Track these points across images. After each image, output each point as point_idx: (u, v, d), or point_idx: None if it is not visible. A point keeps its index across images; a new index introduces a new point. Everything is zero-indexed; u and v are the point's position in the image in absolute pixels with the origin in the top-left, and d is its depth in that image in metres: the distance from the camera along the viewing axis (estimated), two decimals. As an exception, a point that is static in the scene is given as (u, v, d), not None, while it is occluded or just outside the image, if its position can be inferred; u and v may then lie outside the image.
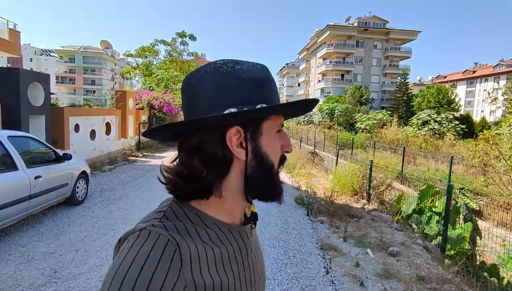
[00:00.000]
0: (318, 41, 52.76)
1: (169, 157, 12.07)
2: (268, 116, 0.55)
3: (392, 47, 50.27)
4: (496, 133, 8.45)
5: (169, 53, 29.57)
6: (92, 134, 9.42)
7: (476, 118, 49.16)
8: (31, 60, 65.01)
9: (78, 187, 5.04)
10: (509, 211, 6.96)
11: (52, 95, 8.93)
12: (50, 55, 69.19)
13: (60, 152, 4.72)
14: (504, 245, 6.98)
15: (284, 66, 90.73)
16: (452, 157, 8.50)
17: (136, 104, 14.45)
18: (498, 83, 67.07)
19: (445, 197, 7.04)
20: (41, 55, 67.82)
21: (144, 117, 14.48)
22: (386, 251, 4.16)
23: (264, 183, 0.55)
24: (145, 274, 0.38)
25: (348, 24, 51.13)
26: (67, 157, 4.60)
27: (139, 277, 0.38)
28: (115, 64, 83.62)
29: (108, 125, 10.67)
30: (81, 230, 4.12)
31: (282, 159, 0.58)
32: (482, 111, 69.56)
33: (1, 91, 5.80)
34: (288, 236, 4.47)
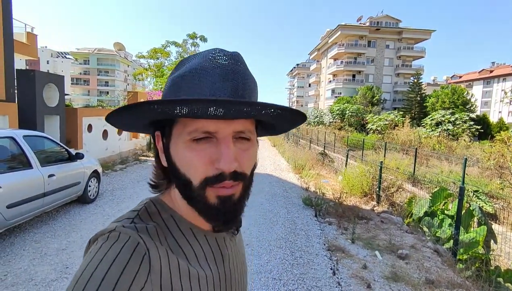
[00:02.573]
0: (329, 41, 52.34)
1: (179, 157, 12.21)
2: (173, 116, 0.43)
3: (405, 46, 49.37)
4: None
5: (180, 54, 29.93)
6: (105, 134, 9.64)
7: (493, 119, 47.69)
8: (47, 62, 67.01)
9: (90, 186, 5.17)
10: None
11: (66, 96, 9.18)
12: (66, 57, 71.15)
13: (73, 151, 4.86)
14: (521, 250, 6.75)
15: (294, 67, 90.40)
16: (466, 159, 8.28)
17: (148, 105, 14.70)
18: (516, 83, 64.94)
19: (458, 199, 6.87)
20: (57, 57, 69.82)
21: (155, 118, 14.71)
22: (395, 253, 4.10)
23: (190, 201, 0.46)
24: (111, 275, 0.36)
25: (360, 24, 50.53)
26: (80, 156, 4.73)
27: (105, 278, 0.36)
28: (128, 66, 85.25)
29: (120, 125, 10.88)
30: (92, 227, 4.22)
31: (217, 177, 0.43)
32: (500, 112, 67.44)
33: (18, 92, 6.01)
34: (295, 237, 4.46)
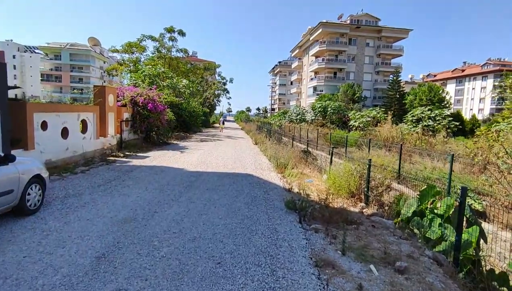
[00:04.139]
0: (311, 38, 52.27)
1: (153, 156, 11.28)
2: None
3: (384, 45, 50.14)
4: (496, 129, 7.96)
5: (157, 49, 28.58)
6: (65, 132, 8.58)
7: (466, 116, 49.39)
8: (14, 57, 62.78)
9: (29, 194, 4.26)
10: (517, 212, 6.44)
11: (15, 90, 8.03)
12: (35, 52, 66.99)
13: (1, 153, 3.94)
14: (513, 250, 6.45)
15: (276, 65, 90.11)
16: (452, 155, 7.96)
17: (118, 101, 13.58)
18: (486, 81, 67.98)
19: (447, 198, 6.46)
20: (24, 52, 65.58)
21: (127, 115, 13.62)
22: (392, 266, 3.53)
23: None
24: None
25: (341, 21, 50.79)
26: (10, 159, 3.82)
27: None
28: (104, 62, 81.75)
29: (84, 123, 9.83)
30: (22, 248, 3.36)
31: None
32: (471, 109, 70.38)
33: None
34: (277, 250, 3.79)
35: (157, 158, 10.94)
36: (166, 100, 17.22)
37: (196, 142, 18.36)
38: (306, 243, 4.06)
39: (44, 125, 7.57)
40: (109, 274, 2.96)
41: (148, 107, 14.11)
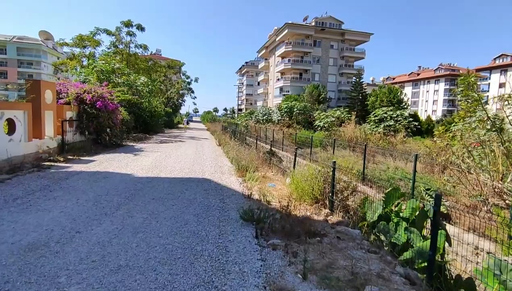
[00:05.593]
0: (277, 39, 52.43)
1: (100, 160, 9.99)
2: None
3: (348, 47, 51.72)
4: (458, 129, 8.00)
5: (113, 44, 26.52)
6: (-19, 134, 7.12)
7: (421, 117, 52.52)
8: None
9: None
10: (478, 214, 6.35)
11: None
12: (-27, 44, 59.87)
13: None
14: (477, 254, 6.31)
15: (243, 65, 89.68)
16: (416, 155, 7.81)
17: (61, 98, 12.00)
18: (438, 85, 73.34)
19: (412, 200, 6.16)
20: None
21: (70, 114, 12.07)
22: (361, 292, 2.96)
23: None
24: None
25: (306, 23, 51.50)
26: None
27: None
28: (58, 58, 75.41)
29: (10, 122, 8.34)
30: None
31: None
32: (425, 111, 75.44)
33: None
34: (225, 278, 3.05)
35: (103, 162, 9.68)
36: (119, 98, 15.72)
37: (155, 144, 17.05)
38: (261, 266, 3.37)
39: None
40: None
41: (97, 106, 12.64)
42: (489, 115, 6.63)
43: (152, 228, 4.29)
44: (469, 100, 6.81)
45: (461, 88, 6.61)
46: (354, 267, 3.38)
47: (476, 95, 6.47)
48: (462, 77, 6.99)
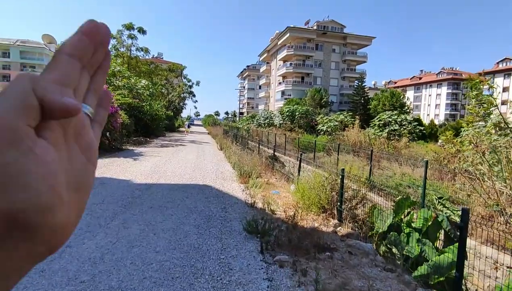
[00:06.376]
0: (279, 43, 52.37)
1: (97, 165, 9.69)
2: None
3: (350, 51, 51.58)
4: (473, 135, 7.67)
5: (114, 47, 26.40)
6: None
7: (424, 121, 52.20)
8: None
9: None
10: (496, 225, 6.00)
11: None
12: (-25, 48, 60.12)
13: None
14: (496, 268, 5.95)
15: (245, 69, 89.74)
16: (427, 162, 7.48)
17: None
18: (441, 89, 73.03)
19: (423, 210, 5.87)
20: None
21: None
22: (381, 318, 2.63)
23: None
24: None
25: (308, 27, 51.46)
26: None
27: None
28: (60, 61, 75.68)
29: None
30: None
31: None
32: (428, 115, 75.04)
33: None
34: (228, 302, 2.73)
35: (101, 167, 9.39)
36: (119, 101, 15.49)
37: (155, 148, 16.77)
38: (268, 287, 3.04)
39: None
40: None
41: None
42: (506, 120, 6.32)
43: (149, 241, 3.97)
44: (484, 104, 6.51)
45: (476, 92, 6.32)
46: (371, 289, 3.05)
47: (492, 99, 6.17)
48: (474, 81, 6.69)
